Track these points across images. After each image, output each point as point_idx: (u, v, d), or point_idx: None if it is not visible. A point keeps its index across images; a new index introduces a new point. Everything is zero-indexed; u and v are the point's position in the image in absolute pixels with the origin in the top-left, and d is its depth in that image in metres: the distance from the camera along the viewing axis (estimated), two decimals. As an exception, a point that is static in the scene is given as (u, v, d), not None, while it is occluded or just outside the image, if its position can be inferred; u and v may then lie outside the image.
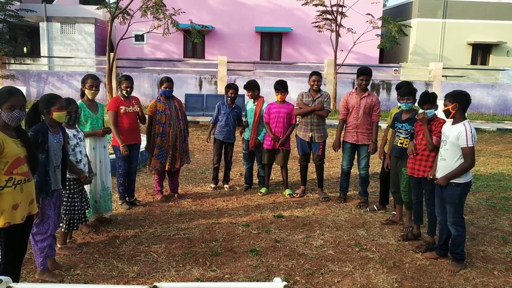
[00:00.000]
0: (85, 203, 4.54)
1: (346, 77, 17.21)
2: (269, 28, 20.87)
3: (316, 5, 15.88)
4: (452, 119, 4.22)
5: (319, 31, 16.84)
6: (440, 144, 4.34)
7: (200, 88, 16.74)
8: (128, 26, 14.58)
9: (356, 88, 6.09)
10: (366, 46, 17.47)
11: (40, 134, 3.63)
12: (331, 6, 15.62)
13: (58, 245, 4.34)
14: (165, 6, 14.46)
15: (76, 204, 4.41)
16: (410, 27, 20.30)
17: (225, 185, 6.86)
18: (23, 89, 14.40)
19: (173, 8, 14.67)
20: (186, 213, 5.68)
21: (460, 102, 4.13)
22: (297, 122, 6.48)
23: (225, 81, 16.13)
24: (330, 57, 17.16)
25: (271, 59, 21.49)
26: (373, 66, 19.09)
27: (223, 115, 6.60)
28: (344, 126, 6.18)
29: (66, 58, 19.08)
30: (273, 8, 20.93)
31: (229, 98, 6.59)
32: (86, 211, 4.63)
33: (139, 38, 20.32)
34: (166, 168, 6.05)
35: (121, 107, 5.57)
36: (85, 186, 4.63)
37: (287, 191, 6.51)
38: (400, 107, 5.49)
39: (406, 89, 5.13)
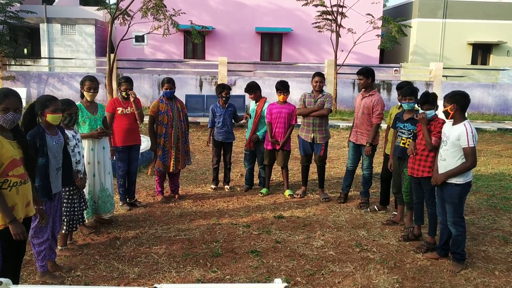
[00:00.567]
0: (83, 203, 4.54)
1: (346, 78, 17.20)
2: (270, 28, 20.88)
3: (316, 5, 15.88)
4: (452, 120, 4.21)
5: (319, 31, 16.84)
6: (440, 144, 4.34)
7: (201, 88, 16.74)
8: (129, 27, 14.59)
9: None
10: (367, 46, 17.46)
11: (37, 138, 3.60)
12: (331, 7, 15.62)
13: (59, 247, 4.34)
14: (166, 7, 14.47)
15: (75, 205, 4.41)
16: (410, 27, 20.29)
17: (226, 186, 6.85)
18: (23, 90, 14.41)
19: (173, 9, 14.68)
20: (187, 214, 5.67)
21: (458, 103, 4.12)
22: (298, 123, 6.47)
23: (226, 81, 16.13)
24: (330, 58, 17.16)
25: (271, 59, 21.50)
26: (373, 66, 19.00)
27: (219, 117, 6.60)
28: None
29: (66, 59, 19.09)
30: (273, 9, 20.94)
31: (222, 99, 6.59)
32: (84, 212, 4.63)
33: (140, 39, 20.33)
34: (170, 170, 6.05)
35: (118, 108, 5.58)
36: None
37: (288, 192, 6.51)
38: (399, 107, 5.50)
39: (408, 89, 5.12)
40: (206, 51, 21.42)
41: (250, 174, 6.86)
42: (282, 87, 6.40)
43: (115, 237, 4.88)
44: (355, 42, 16.19)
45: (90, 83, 4.99)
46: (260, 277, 4.04)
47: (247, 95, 6.89)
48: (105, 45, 16.88)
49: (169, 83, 6.00)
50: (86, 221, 4.96)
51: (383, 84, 17.24)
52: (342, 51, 16.37)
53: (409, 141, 4.99)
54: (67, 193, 4.31)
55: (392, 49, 19.17)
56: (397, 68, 19.04)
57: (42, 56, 19.84)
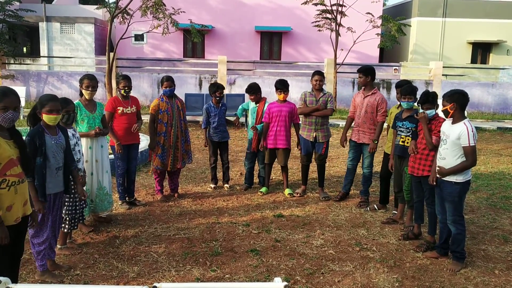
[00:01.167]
0: (83, 202, 4.54)
1: (346, 77, 17.19)
2: (269, 27, 20.85)
3: (316, 4, 15.86)
4: (451, 119, 4.21)
5: (319, 30, 16.82)
6: (440, 143, 4.33)
7: (200, 87, 16.72)
8: (128, 25, 14.56)
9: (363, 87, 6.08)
10: (366, 45, 17.44)
11: (36, 138, 3.60)
12: (331, 5, 15.60)
13: (58, 246, 4.33)
14: (165, 6, 14.44)
15: (76, 204, 4.41)
16: (410, 26, 20.27)
17: (225, 185, 6.85)
18: (22, 89, 14.36)
19: (173, 8, 14.65)
20: (186, 213, 5.67)
21: (458, 102, 4.12)
22: (300, 122, 6.47)
23: (225, 80, 16.11)
24: (330, 57, 17.14)
25: (271, 58, 21.48)
26: (373, 65, 18.95)
27: (214, 117, 6.58)
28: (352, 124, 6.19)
29: (65, 58, 19.06)
30: (273, 8, 20.91)
31: (216, 99, 6.57)
32: (84, 210, 4.63)
33: (139, 37, 20.31)
34: (168, 169, 6.05)
35: (118, 108, 5.57)
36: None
37: (288, 191, 6.50)
38: (399, 106, 5.49)
39: (407, 88, 5.12)
40: (205, 50, 21.40)
41: (250, 173, 6.85)
42: (282, 86, 6.39)
43: (114, 236, 4.88)
44: (355, 41, 16.17)
45: (89, 81, 4.99)
46: (259, 276, 4.03)
47: (247, 95, 6.89)
48: (105, 44, 16.85)
49: (169, 81, 5.99)
50: (85, 220, 4.95)
51: (382, 83, 17.23)
52: (342, 50, 16.35)
53: (408, 139, 4.99)
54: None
55: (391, 48, 19.16)
56: (397, 67, 19.04)
57: (41, 55, 19.80)
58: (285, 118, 6.36)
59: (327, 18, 16.22)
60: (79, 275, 3.98)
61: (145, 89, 16.65)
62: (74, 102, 4.56)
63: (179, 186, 6.46)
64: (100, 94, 15.50)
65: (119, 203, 5.83)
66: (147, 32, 15.54)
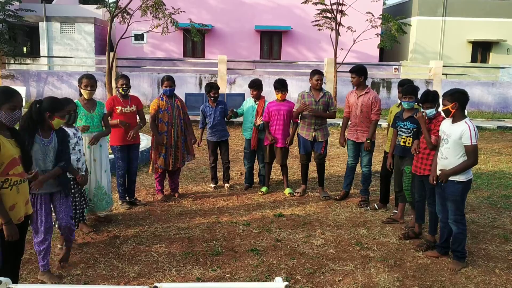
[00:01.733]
0: (83, 202, 4.53)
1: (346, 76, 17.10)
2: (269, 27, 20.84)
3: (315, 3, 15.85)
4: (451, 118, 4.21)
5: (319, 29, 16.81)
6: (440, 142, 4.33)
7: (200, 87, 16.71)
8: (128, 25, 14.56)
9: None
10: (366, 44, 17.43)
11: (26, 134, 3.49)
12: (331, 5, 15.59)
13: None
14: (165, 5, 14.43)
15: (76, 203, 4.40)
16: (410, 25, 20.25)
17: (226, 184, 6.84)
18: (22, 89, 14.36)
19: (173, 7, 14.64)
20: (187, 213, 5.67)
21: (458, 101, 4.12)
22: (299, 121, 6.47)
23: (225, 80, 16.10)
24: (330, 56, 17.13)
25: (271, 58, 21.47)
26: (373, 64, 19.13)
27: (210, 116, 6.57)
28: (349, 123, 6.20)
29: (65, 58, 19.06)
30: (273, 7, 20.90)
31: (212, 99, 6.55)
32: (84, 210, 4.62)
33: (139, 37, 20.30)
34: (170, 168, 6.04)
35: (117, 107, 5.57)
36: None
37: (288, 190, 6.50)
38: (399, 105, 5.49)
39: (408, 88, 5.11)
40: (205, 49, 21.38)
41: (250, 172, 6.85)
42: (280, 86, 6.39)
43: (115, 235, 4.88)
44: (355, 41, 16.16)
45: (87, 80, 4.99)
46: (260, 275, 4.03)
47: (247, 93, 6.87)
48: (105, 44, 16.85)
49: (169, 81, 5.99)
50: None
51: (382, 82, 17.23)
52: (342, 49, 16.34)
53: (409, 140, 4.98)
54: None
55: (391, 48, 19.15)
56: (397, 66, 19.04)
57: (41, 54, 19.79)
58: (284, 116, 6.36)
59: (327, 17, 16.21)
60: (80, 275, 3.97)
61: (145, 89, 16.65)
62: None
63: (179, 185, 6.46)
64: (100, 94, 15.50)
65: (119, 203, 5.83)
66: (147, 31, 15.54)
